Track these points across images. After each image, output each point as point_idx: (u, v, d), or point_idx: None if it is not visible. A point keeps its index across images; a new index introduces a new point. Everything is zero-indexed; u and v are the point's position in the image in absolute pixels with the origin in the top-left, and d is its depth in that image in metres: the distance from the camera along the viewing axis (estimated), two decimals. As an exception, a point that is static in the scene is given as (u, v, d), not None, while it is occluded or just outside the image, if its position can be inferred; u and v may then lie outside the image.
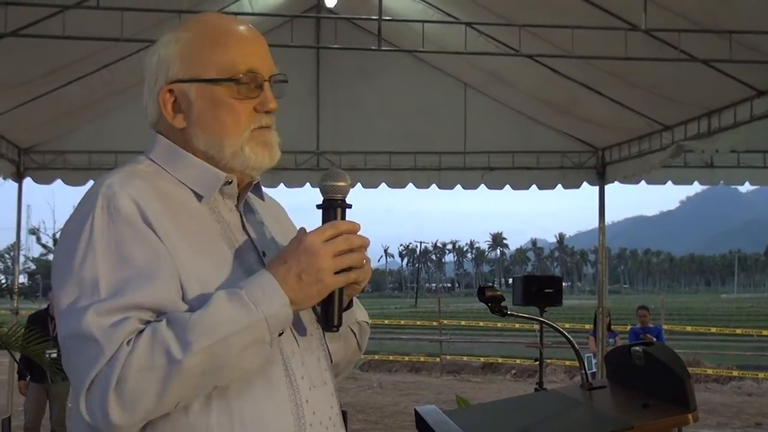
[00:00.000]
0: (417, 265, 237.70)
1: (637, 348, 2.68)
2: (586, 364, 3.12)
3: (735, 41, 7.26)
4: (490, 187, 12.42)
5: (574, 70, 9.74)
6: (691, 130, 10.23)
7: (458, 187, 12.34)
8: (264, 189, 2.20)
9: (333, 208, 1.95)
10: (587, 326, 20.96)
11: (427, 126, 11.81)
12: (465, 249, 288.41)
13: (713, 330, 28.48)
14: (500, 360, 24.75)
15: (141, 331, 1.73)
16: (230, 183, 2.02)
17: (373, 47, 7.00)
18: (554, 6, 7.94)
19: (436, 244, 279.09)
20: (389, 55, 9.33)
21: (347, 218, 1.96)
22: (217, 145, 1.97)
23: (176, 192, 1.96)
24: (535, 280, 10.67)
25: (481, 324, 32.45)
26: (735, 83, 8.65)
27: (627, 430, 2.30)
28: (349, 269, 1.89)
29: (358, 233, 1.90)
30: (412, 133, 11.73)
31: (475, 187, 12.43)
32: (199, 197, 1.98)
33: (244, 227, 2.04)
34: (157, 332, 1.71)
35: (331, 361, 2.13)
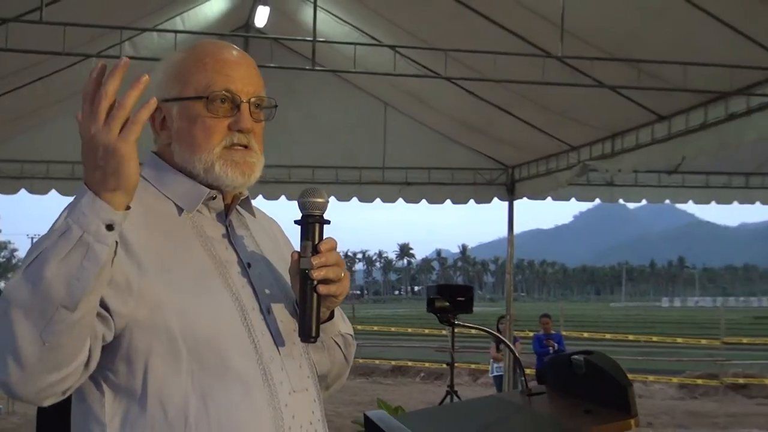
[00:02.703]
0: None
1: (578, 356, 2.70)
2: (519, 371, 3.13)
3: (642, 70, 7.42)
4: (407, 201, 12.48)
5: (490, 92, 9.85)
6: (596, 150, 10.42)
7: (378, 200, 12.37)
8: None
9: (311, 224, 1.92)
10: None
11: (349, 142, 11.83)
12: (374, 258, 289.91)
13: (607, 336, 29.05)
14: (410, 363, 24.84)
15: None
16: (215, 198, 1.99)
17: (307, 67, 6.94)
18: (475, 33, 8.00)
19: (347, 253, 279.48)
20: (316, 75, 9.29)
21: (325, 234, 1.94)
22: (189, 160, 1.95)
23: (158, 205, 1.93)
24: (448, 289, 10.76)
25: (393, 329, 32.53)
26: (639, 108, 8.84)
27: (574, 435, 2.32)
28: (326, 281, 1.89)
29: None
30: (334, 149, 11.73)
31: (393, 201, 12.48)
32: (180, 210, 1.95)
33: (229, 240, 2.01)
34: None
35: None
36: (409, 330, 33.13)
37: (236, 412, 1.83)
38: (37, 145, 11.29)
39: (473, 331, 24.10)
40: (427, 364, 24.53)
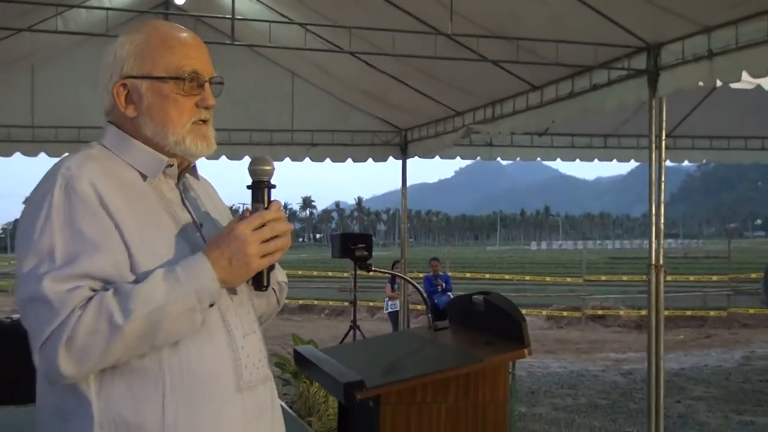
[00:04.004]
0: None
1: (478, 296, 2.82)
2: (427, 309, 3.24)
3: (520, 46, 7.54)
4: (313, 160, 12.43)
5: (387, 65, 9.87)
6: (479, 115, 10.54)
7: (287, 159, 12.31)
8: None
9: (261, 188, 1.99)
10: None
11: (261, 108, 11.70)
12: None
13: (487, 276, 29.68)
14: (315, 302, 24.94)
15: (91, 298, 1.73)
16: (171, 166, 2.02)
17: (227, 42, 6.85)
18: (376, 13, 8.01)
19: (248, 208, 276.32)
20: (233, 49, 9.17)
21: (272, 196, 2.00)
22: (162, 133, 1.97)
23: (124, 173, 1.95)
24: (350, 237, 10.68)
25: (299, 272, 32.61)
26: (516, 79, 8.97)
27: (479, 362, 2.43)
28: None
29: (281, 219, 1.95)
30: (248, 114, 11.59)
31: (301, 159, 12.42)
32: (144, 177, 1.97)
33: (183, 203, 2.04)
34: (103, 300, 1.72)
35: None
36: (315, 273, 33.22)
37: (203, 356, 1.88)
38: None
39: (371, 273, 24.29)
40: (330, 303, 24.69)
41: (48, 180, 1.86)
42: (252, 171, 2.01)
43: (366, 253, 2.77)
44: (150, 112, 1.97)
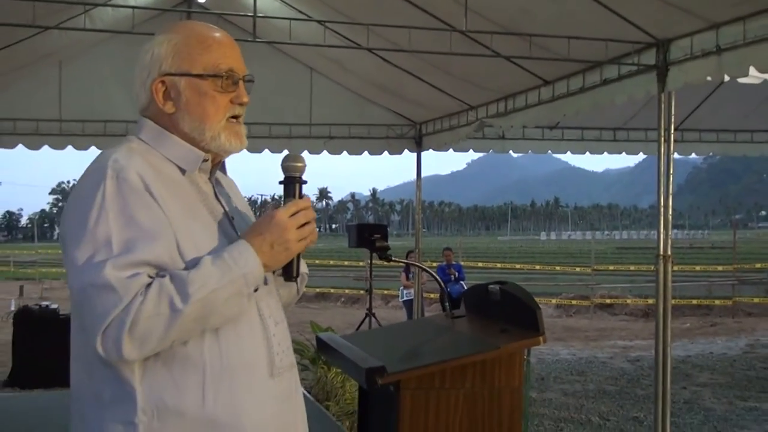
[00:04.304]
0: (258, 213, 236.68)
1: (494, 286, 2.82)
2: (445, 297, 3.25)
3: (532, 42, 7.51)
4: (331, 153, 12.44)
5: (403, 60, 9.86)
6: (492, 110, 10.52)
7: (305, 152, 12.30)
8: None
9: (293, 183, 2.03)
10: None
11: (280, 102, 11.70)
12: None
13: (498, 265, 29.64)
14: (332, 290, 24.97)
15: (149, 284, 1.75)
16: (207, 161, 2.04)
17: (249, 39, 6.84)
18: (393, 10, 7.99)
19: (273, 196, 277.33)
20: (254, 45, 9.18)
21: (303, 192, 2.05)
22: (199, 129, 1.99)
23: (164, 166, 1.96)
24: (366, 227, 10.74)
25: (317, 262, 32.68)
26: (528, 74, 8.95)
27: (496, 348, 2.44)
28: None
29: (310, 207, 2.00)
30: (268, 108, 11.59)
31: (318, 152, 12.43)
32: (182, 171, 1.99)
33: (216, 197, 2.06)
34: (162, 286, 1.75)
35: None
36: (331, 262, 33.27)
37: (242, 344, 1.92)
38: (3, 104, 10.95)
39: (385, 262, 24.28)
40: (346, 291, 24.72)
41: (97, 172, 1.86)
42: (285, 167, 2.06)
43: (386, 243, 2.76)
44: (188, 108, 1.99)
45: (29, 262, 44.64)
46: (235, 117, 2.04)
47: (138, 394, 1.80)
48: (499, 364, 2.49)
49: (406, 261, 3.36)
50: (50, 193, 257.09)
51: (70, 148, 11.42)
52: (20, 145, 11.21)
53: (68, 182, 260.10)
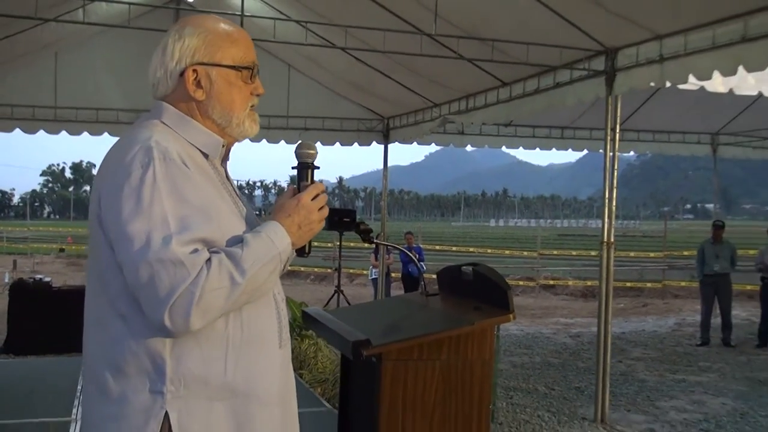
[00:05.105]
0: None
1: (467, 267, 2.82)
2: (421, 277, 3.25)
3: (493, 47, 7.52)
4: (305, 143, 12.40)
5: (374, 60, 9.82)
6: (454, 107, 10.55)
7: (282, 141, 12.22)
8: None
9: (306, 169, 2.04)
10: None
11: (261, 96, 11.62)
12: (270, 186, 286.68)
13: (454, 249, 29.75)
14: (302, 269, 24.88)
15: (208, 260, 1.72)
16: (224, 146, 2.00)
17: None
18: (368, 14, 7.93)
19: (248, 182, 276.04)
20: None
21: (316, 177, 2.06)
22: (227, 116, 1.96)
23: (191, 151, 1.91)
24: (337, 212, 10.75)
25: (288, 242, 32.29)
26: (488, 76, 8.97)
27: (471, 324, 2.44)
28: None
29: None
30: (249, 100, 11.51)
31: (294, 142, 12.33)
32: (205, 155, 1.95)
33: (229, 180, 2.03)
34: (221, 261, 1.73)
35: None
36: (301, 243, 33.00)
37: (259, 318, 1.91)
38: (2, 91, 10.73)
39: (351, 243, 24.06)
40: (315, 269, 24.62)
41: (143, 152, 1.77)
42: (298, 154, 2.06)
43: (369, 227, 2.74)
44: (219, 96, 1.94)
45: (21, 238, 43.92)
46: (252, 106, 2.02)
47: (168, 365, 1.77)
48: (472, 338, 2.49)
49: (388, 243, 3.34)
50: (41, 175, 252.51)
51: (64, 132, 11.26)
52: (17, 129, 11.02)
53: (58, 165, 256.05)
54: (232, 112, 1.96)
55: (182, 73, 1.93)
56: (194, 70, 1.93)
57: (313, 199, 1.95)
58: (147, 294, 1.70)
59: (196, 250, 1.71)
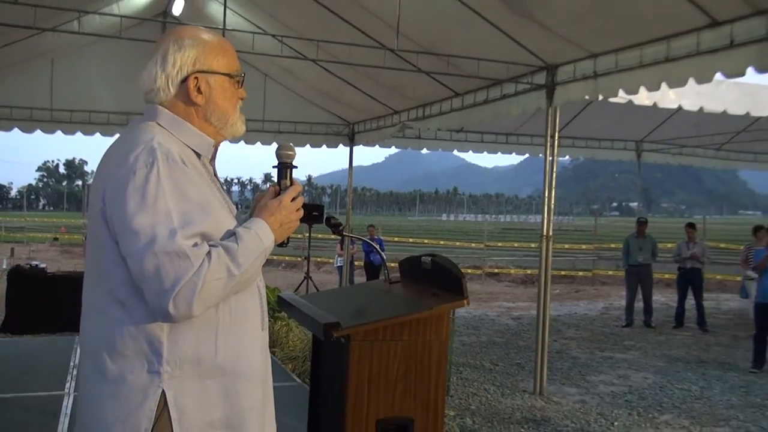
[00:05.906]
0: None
1: (426, 257, 2.81)
2: (384, 266, 3.23)
3: (449, 62, 7.53)
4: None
5: (342, 71, 9.78)
6: (413, 114, 10.55)
7: (258, 143, 12.11)
8: None
9: (285, 168, 2.01)
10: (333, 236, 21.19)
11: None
12: (246, 183, 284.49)
13: (410, 240, 29.76)
14: (274, 257, 24.64)
15: (208, 253, 1.69)
16: (214, 146, 1.97)
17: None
18: (337, 30, 7.89)
19: (226, 179, 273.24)
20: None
21: (294, 175, 2.04)
22: (223, 119, 1.94)
23: (185, 152, 1.86)
24: (307, 207, 10.70)
25: (262, 234, 32.02)
26: (443, 87, 8.99)
27: (429, 309, 2.43)
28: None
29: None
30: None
31: (269, 144, 12.22)
32: (198, 156, 1.91)
33: (216, 177, 1.99)
34: (220, 254, 1.71)
35: None
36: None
37: (245, 303, 1.88)
38: (2, 93, 10.47)
39: (320, 235, 23.78)
40: (286, 258, 24.45)
41: (147, 153, 1.73)
42: (279, 155, 2.03)
43: (339, 221, 2.71)
44: (217, 101, 1.92)
45: (18, 227, 42.84)
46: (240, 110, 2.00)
47: (165, 348, 1.74)
48: (430, 321, 2.48)
49: (357, 236, 3.31)
50: (37, 170, 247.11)
51: (59, 132, 11.04)
52: (15, 129, 10.77)
53: (53, 161, 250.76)
54: (228, 114, 1.95)
55: (184, 80, 1.89)
56: (195, 77, 1.89)
57: (292, 200, 1.93)
58: (152, 283, 1.66)
59: (197, 244, 1.69)
